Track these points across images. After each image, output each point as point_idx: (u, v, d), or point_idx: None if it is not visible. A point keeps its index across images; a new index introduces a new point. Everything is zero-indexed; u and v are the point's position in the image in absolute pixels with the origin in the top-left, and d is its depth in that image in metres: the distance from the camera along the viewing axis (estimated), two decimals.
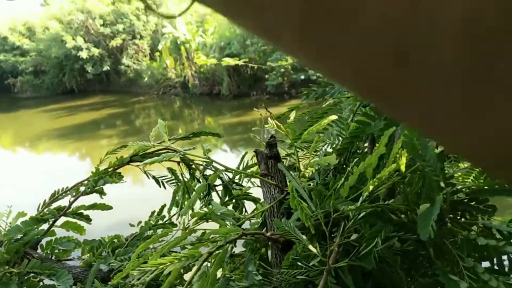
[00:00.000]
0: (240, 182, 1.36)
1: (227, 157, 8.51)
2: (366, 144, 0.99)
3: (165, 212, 1.42)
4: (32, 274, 1.18)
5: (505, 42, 0.13)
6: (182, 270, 1.02)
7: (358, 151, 0.98)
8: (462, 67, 0.14)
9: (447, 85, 0.15)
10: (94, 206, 1.35)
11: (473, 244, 0.82)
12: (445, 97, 0.15)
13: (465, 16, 0.13)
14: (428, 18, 0.13)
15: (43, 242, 1.36)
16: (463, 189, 0.85)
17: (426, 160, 0.78)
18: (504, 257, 0.88)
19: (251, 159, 1.39)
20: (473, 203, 0.84)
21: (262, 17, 0.17)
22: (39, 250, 1.34)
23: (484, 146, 0.16)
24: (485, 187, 0.86)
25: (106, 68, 17.81)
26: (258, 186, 1.25)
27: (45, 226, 1.33)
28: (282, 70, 12.87)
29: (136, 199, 4.91)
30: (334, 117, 0.99)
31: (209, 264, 0.93)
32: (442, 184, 0.81)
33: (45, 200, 1.37)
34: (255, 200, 1.27)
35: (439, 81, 0.15)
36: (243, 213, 1.30)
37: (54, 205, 1.36)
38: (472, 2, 0.13)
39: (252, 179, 1.33)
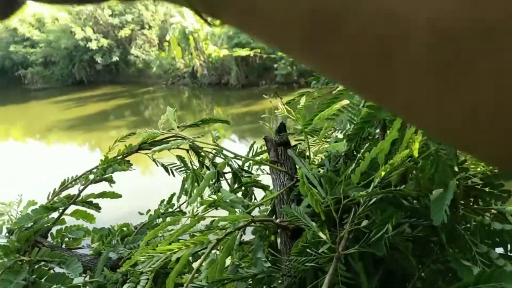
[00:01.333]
0: (250, 170, 1.35)
1: (235, 147, 8.52)
2: (377, 130, 0.97)
3: (174, 201, 1.42)
4: (42, 262, 1.19)
5: (466, 42, 0.16)
6: (191, 258, 1.01)
7: (369, 137, 0.96)
8: (432, 60, 0.17)
9: (420, 76, 0.18)
10: (103, 195, 1.35)
11: (487, 229, 0.81)
12: (420, 86, 0.18)
13: (431, 16, 0.16)
14: (402, 24, 0.17)
15: (53, 230, 1.36)
16: (477, 174, 0.83)
17: (442, 143, 0.76)
18: None
19: (261, 147, 1.38)
20: (487, 188, 0.82)
21: (270, 30, 0.21)
22: (49, 239, 1.35)
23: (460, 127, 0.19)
24: (499, 171, 0.84)
25: (115, 58, 17.82)
26: (267, 173, 1.24)
27: (55, 215, 1.33)
28: (291, 58, 12.81)
29: (148, 189, 4.92)
30: (345, 102, 0.97)
31: (218, 252, 0.93)
32: (456, 169, 0.80)
33: (55, 189, 1.37)
34: (264, 188, 1.26)
35: (414, 72, 0.18)
36: (252, 200, 1.30)
37: (64, 193, 1.36)
38: (437, 11, 0.16)
39: (262, 167, 1.32)
